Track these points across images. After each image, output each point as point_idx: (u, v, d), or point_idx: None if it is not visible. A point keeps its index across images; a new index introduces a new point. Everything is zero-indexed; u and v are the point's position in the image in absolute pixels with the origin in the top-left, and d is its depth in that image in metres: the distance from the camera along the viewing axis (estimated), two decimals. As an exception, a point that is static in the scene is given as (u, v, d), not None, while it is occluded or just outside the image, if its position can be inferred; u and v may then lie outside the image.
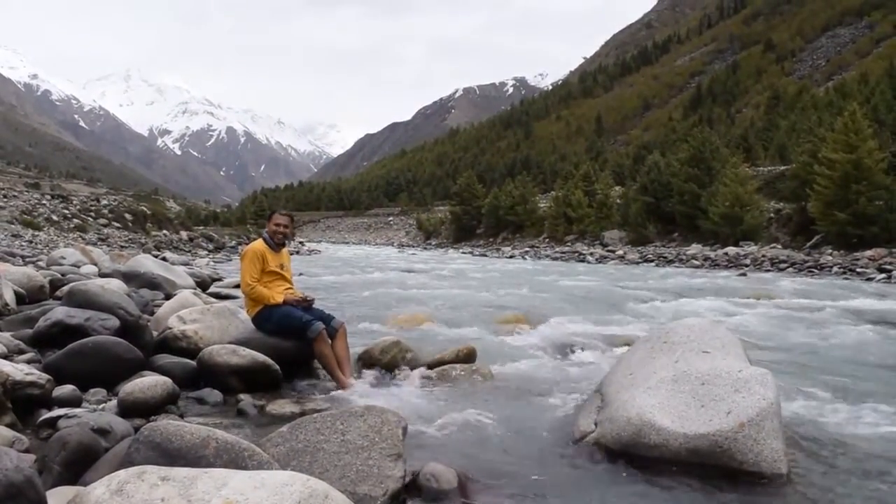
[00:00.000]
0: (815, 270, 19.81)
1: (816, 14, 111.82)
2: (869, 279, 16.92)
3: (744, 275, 19.63)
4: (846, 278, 17.61)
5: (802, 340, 7.21)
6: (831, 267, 19.76)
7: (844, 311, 9.85)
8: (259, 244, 5.30)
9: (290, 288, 5.31)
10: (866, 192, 23.64)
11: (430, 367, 5.20)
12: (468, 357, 5.38)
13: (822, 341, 7.15)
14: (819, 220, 25.01)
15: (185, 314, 5.32)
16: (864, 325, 8.31)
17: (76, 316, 4.61)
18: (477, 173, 76.68)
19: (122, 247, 27.05)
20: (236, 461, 2.40)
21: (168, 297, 7.91)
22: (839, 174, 24.47)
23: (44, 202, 37.57)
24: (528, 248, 41.88)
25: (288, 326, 4.95)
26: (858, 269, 18.61)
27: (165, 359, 4.66)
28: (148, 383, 3.81)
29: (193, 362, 4.60)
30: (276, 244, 5.37)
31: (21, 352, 4.48)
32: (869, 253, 20.77)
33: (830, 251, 23.19)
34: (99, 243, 27.31)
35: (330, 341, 4.88)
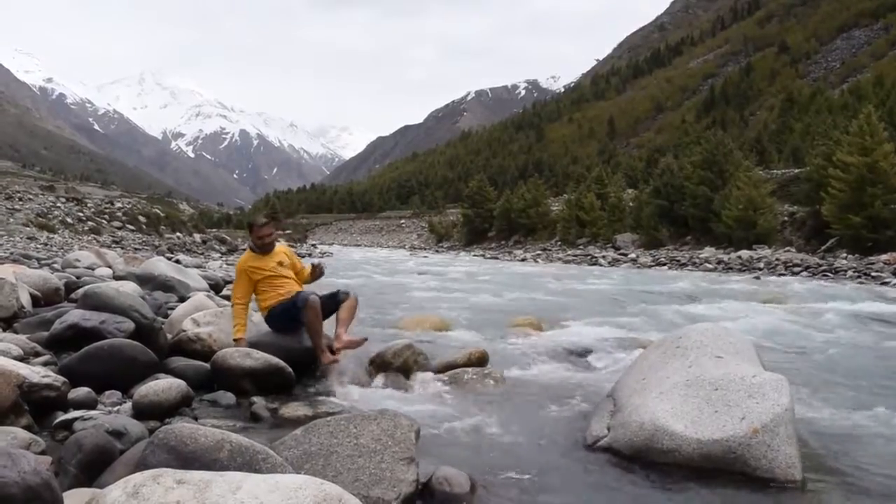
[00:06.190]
0: (830, 274, 19.64)
1: (831, 16, 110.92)
2: (884, 283, 16.75)
3: (757, 278, 19.52)
4: (861, 282, 17.45)
5: (817, 345, 7.15)
6: (846, 271, 19.58)
7: (859, 315, 9.77)
8: (245, 258, 5.41)
9: (292, 279, 5.36)
10: (881, 196, 23.47)
11: (442, 370, 5.20)
12: (480, 361, 5.38)
13: (837, 346, 7.09)
14: (833, 223, 24.82)
15: (199, 317, 5.35)
16: (879, 330, 8.24)
17: (91, 319, 4.64)
18: (489, 176, 76.73)
19: (135, 249, 27.25)
20: (250, 464, 2.42)
21: (182, 299, 7.94)
22: (854, 177, 24.30)
23: (59, 205, 37.88)
24: (539, 251, 41.81)
25: (287, 316, 5.04)
26: (873, 273, 18.43)
27: (179, 361, 4.69)
28: (162, 386, 3.83)
29: (207, 365, 4.62)
30: (264, 250, 5.37)
31: (37, 354, 4.51)
32: (884, 257, 20.59)
33: (845, 255, 23.01)
34: (113, 246, 27.53)
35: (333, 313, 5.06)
